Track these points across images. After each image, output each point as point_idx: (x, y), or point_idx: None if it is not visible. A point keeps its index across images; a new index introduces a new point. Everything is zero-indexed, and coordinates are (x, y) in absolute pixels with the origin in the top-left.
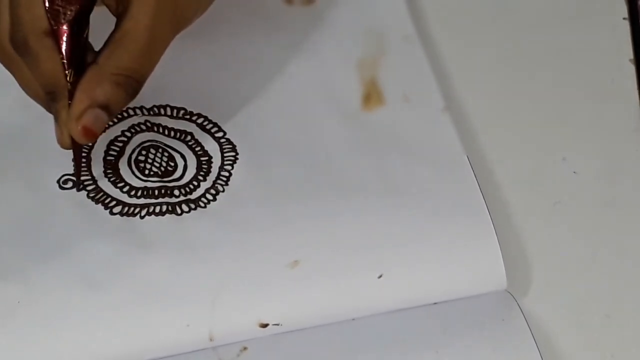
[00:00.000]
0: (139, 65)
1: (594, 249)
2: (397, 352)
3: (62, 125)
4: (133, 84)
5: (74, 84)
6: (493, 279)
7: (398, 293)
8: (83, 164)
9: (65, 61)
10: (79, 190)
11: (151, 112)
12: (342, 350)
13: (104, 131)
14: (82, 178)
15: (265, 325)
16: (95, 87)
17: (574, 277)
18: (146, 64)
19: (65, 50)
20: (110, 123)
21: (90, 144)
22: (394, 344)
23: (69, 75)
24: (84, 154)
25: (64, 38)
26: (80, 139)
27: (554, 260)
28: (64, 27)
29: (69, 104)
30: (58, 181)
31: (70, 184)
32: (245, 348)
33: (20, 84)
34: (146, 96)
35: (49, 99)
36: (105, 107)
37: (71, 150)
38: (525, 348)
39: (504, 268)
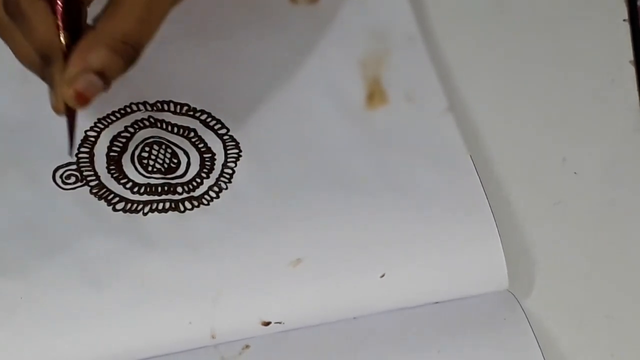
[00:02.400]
0: (137, 31)
1: (595, 249)
2: (399, 351)
3: (57, 88)
4: (130, 51)
5: (69, 47)
6: (495, 278)
7: (400, 292)
8: (85, 158)
9: (60, 23)
10: (70, 154)
11: (154, 108)
12: (344, 348)
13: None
14: (85, 173)
15: (267, 324)
16: (91, 51)
17: (575, 277)
18: (144, 30)
19: (60, 12)
20: (114, 118)
21: (92, 140)
22: (395, 343)
23: (63, 37)
24: (86, 150)
25: (59, 1)
26: (72, 103)
27: (555, 260)
28: None
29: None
30: (61, 177)
31: (73, 179)
32: (247, 346)
33: (13, 52)
34: (150, 92)
35: (44, 63)
36: (100, 74)
37: (78, 147)
38: (527, 348)
39: (506, 268)
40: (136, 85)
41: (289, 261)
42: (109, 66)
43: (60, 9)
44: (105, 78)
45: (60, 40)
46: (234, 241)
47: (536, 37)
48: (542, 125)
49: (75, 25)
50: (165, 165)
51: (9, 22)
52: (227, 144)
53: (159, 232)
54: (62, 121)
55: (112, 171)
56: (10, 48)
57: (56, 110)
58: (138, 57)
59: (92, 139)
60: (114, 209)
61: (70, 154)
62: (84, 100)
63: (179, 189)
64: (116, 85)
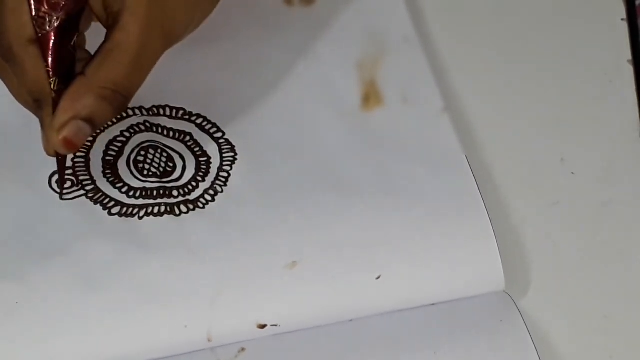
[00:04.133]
0: (127, 79)
1: (592, 249)
2: (396, 353)
3: (46, 133)
4: (120, 98)
5: (59, 93)
6: (491, 279)
7: (396, 294)
8: (81, 163)
9: (49, 69)
10: (61, 197)
11: (150, 113)
12: (340, 351)
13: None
14: (81, 178)
15: (263, 326)
16: (81, 99)
17: (572, 278)
18: (134, 78)
19: (51, 58)
20: (109, 123)
21: (88, 144)
22: (392, 345)
23: (53, 83)
24: (82, 154)
25: (50, 46)
26: (60, 150)
27: (552, 261)
28: (51, 34)
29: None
30: (57, 182)
31: (69, 184)
32: (243, 349)
33: (9, 90)
34: (145, 96)
35: (36, 106)
36: (88, 120)
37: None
38: (523, 349)
39: (502, 269)
40: None
41: (285, 264)
42: (98, 114)
43: (51, 54)
44: (94, 124)
45: (50, 86)
46: (230, 244)
47: (533, 37)
48: (539, 126)
49: (67, 70)
50: (161, 169)
51: (2, 61)
52: (222, 147)
53: (155, 235)
54: None
55: (108, 175)
56: (6, 85)
57: (47, 152)
58: (127, 103)
59: (88, 143)
60: (110, 213)
61: (61, 193)
62: (72, 146)
63: (175, 193)
64: None
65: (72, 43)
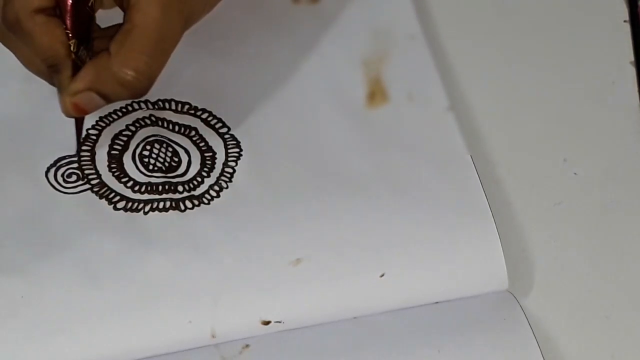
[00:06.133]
0: (148, 66)
1: (595, 249)
2: (399, 351)
3: (63, 95)
4: (139, 85)
5: (78, 55)
6: (495, 278)
7: (400, 292)
8: (87, 157)
9: (68, 31)
10: (77, 158)
11: (156, 106)
12: (344, 348)
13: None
14: (86, 172)
15: (267, 323)
16: (101, 78)
17: (575, 277)
18: (155, 63)
19: (69, 20)
20: (115, 117)
21: (93, 138)
22: (395, 343)
23: (72, 45)
24: (88, 148)
25: (68, 8)
26: (70, 112)
27: (555, 260)
28: None
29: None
30: (62, 175)
31: (74, 178)
32: (247, 345)
33: (20, 61)
34: (151, 90)
35: (52, 71)
36: (103, 96)
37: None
38: (526, 348)
39: (505, 268)
40: None
41: (289, 261)
42: (113, 95)
43: (70, 17)
44: (109, 100)
45: (67, 49)
46: (234, 240)
47: (537, 38)
48: (542, 126)
49: (85, 30)
50: (166, 164)
51: (11, 34)
52: (228, 143)
53: (160, 231)
54: (64, 120)
55: (114, 169)
56: (17, 57)
57: (64, 114)
58: (147, 91)
59: (94, 137)
60: (115, 208)
61: (77, 153)
62: (81, 111)
63: (180, 188)
64: None
65: (90, 4)
